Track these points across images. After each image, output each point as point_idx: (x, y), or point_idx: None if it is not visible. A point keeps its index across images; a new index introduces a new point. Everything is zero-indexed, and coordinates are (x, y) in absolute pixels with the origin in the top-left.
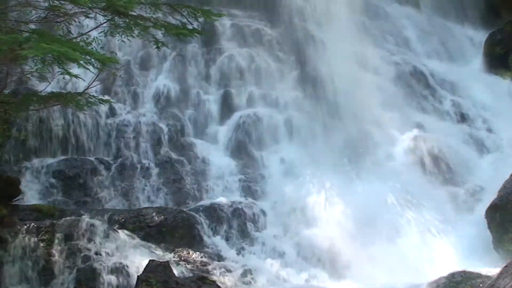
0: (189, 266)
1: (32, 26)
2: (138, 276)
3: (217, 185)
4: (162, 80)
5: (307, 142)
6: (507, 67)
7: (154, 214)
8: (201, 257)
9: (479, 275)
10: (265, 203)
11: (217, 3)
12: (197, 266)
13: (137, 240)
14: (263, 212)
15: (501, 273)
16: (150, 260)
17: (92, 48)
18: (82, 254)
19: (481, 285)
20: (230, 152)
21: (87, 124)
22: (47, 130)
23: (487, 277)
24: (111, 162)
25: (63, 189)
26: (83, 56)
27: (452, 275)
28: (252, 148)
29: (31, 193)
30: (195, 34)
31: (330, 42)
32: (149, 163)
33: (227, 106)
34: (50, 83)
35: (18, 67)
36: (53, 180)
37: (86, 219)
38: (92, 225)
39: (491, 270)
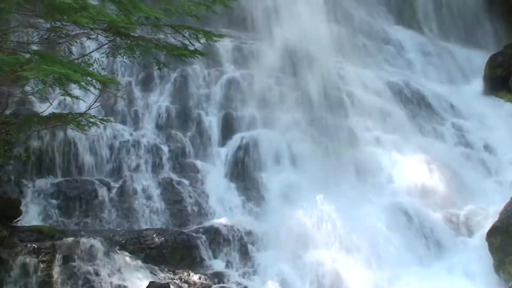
0: None
1: (34, 47)
2: None
3: (217, 206)
4: (163, 101)
5: (308, 164)
6: (508, 89)
7: (154, 236)
8: (202, 279)
9: None
10: (266, 225)
11: (219, 25)
12: (198, 287)
13: (138, 262)
14: (264, 234)
15: None
16: (150, 281)
17: (93, 69)
18: (82, 275)
19: None
20: (231, 174)
21: (88, 145)
22: (48, 151)
23: None
24: (112, 183)
25: (63, 210)
26: (84, 78)
27: None
28: (253, 169)
29: (31, 214)
30: (196, 55)
31: (331, 64)
32: (149, 184)
33: (228, 128)
34: (51, 103)
35: (19, 88)
36: (53, 201)
37: (86, 240)
38: (93, 246)
39: None
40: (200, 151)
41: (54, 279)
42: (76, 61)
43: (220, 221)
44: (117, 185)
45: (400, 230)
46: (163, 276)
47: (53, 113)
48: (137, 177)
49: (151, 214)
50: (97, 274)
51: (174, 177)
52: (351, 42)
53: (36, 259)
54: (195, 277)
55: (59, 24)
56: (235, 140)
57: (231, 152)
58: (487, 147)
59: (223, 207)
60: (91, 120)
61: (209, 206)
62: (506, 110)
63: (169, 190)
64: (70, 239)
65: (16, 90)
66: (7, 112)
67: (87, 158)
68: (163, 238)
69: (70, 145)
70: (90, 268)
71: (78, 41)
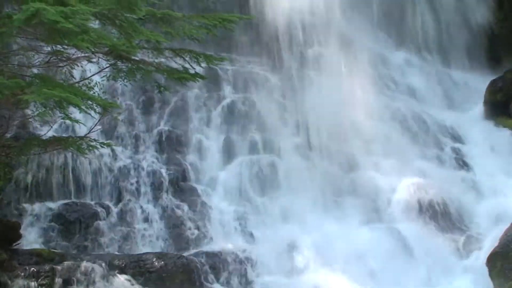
0: None
1: (35, 70)
2: None
3: (217, 230)
4: (163, 125)
5: (308, 189)
6: (508, 114)
7: (154, 260)
8: None
9: None
10: (266, 249)
11: (219, 49)
12: None
13: (137, 286)
14: (264, 258)
15: None
16: None
17: (94, 93)
18: None
19: None
20: (231, 198)
21: (88, 168)
22: (48, 174)
23: None
24: (111, 206)
25: (63, 234)
26: (84, 101)
27: None
28: (253, 194)
29: (31, 237)
30: (197, 78)
31: (331, 88)
32: (149, 208)
33: (228, 152)
34: (51, 127)
35: (20, 111)
36: (53, 225)
37: (86, 263)
38: (92, 269)
39: None
40: (200, 175)
41: None
42: (77, 84)
43: (220, 245)
44: (116, 209)
45: (399, 255)
46: None
47: (53, 136)
48: (137, 201)
49: (150, 238)
50: None
51: (174, 201)
52: (351, 67)
53: (35, 283)
54: None
55: (60, 47)
56: (236, 164)
57: (231, 176)
58: (486, 172)
59: (223, 231)
60: (91, 143)
61: (209, 230)
62: (506, 135)
63: (169, 214)
64: (69, 263)
65: (16, 113)
66: (8, 135)
67: (87, 182)
68: (162, 262)
69: (70, 168)
70: None
71: (79, 64)
